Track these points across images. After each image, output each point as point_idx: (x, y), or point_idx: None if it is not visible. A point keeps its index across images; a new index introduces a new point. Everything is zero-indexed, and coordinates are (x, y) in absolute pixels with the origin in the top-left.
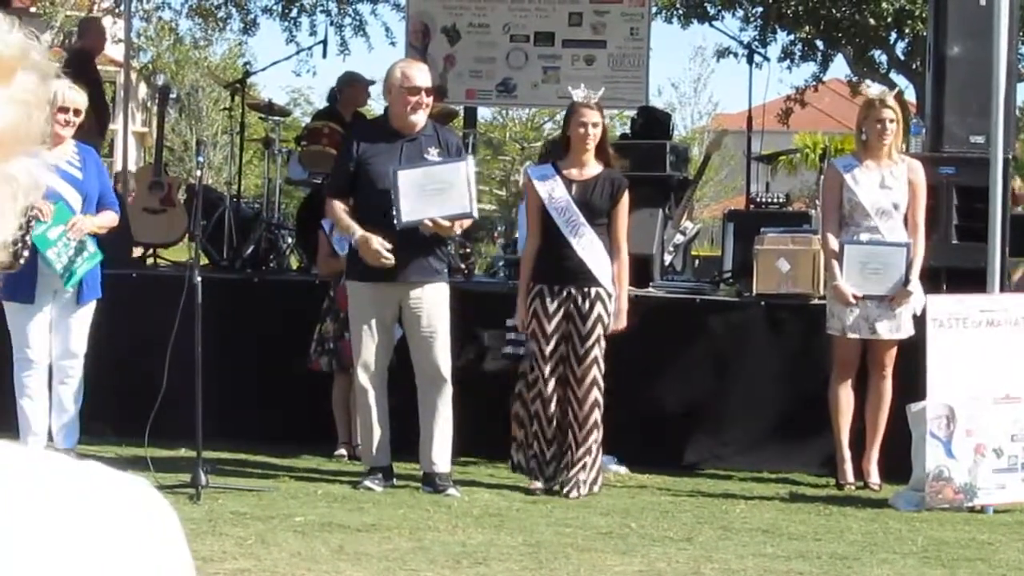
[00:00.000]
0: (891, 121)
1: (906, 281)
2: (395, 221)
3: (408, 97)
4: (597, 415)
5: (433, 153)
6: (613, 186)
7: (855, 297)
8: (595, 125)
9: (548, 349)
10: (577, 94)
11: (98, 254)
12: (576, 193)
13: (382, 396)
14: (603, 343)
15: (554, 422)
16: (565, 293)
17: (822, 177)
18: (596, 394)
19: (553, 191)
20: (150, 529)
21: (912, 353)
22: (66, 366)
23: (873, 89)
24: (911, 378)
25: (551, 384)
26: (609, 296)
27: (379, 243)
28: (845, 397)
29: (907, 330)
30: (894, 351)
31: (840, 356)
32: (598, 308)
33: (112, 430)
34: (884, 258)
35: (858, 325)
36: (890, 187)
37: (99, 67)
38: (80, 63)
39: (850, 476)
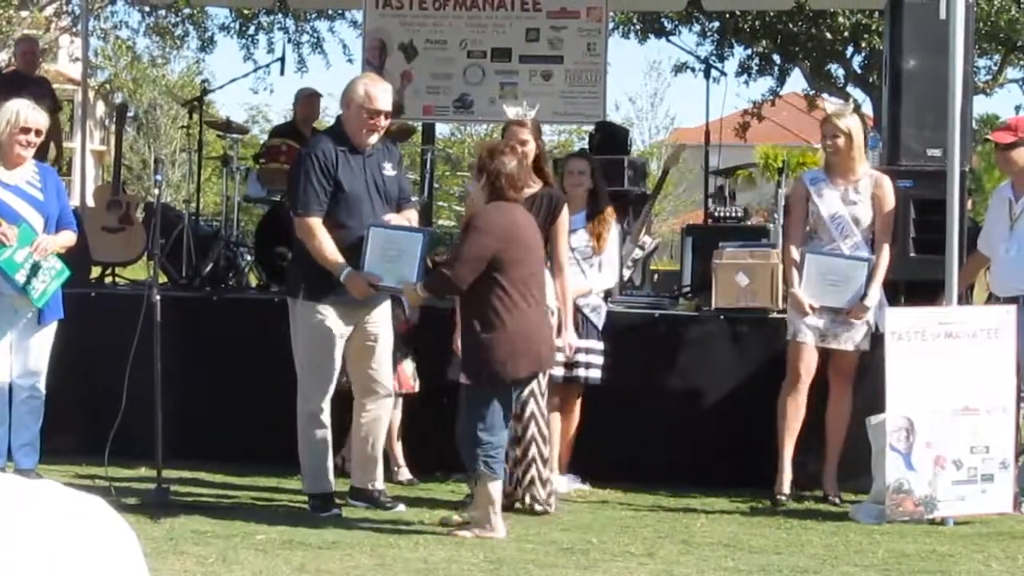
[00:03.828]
0: (835, 136)
1: (864, 296)
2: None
3: (368, 120)
4: (534, 429)
5: (388, 168)
6: (550, 203)
7: (811, 307)
8: (523, 143)
9: None
10: (510, 112)
11: (65, 270)
12: None
13: (328, 420)
14: None
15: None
16: None
17: (781, 190)
18: (533, 407)
19: None
20: (107, 547)
21: (868, 366)
22: (26, 386)
23: (829, 105)
24: (867, 391)
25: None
26: (552, 313)
27: (367, 278)
28: (793, 407)
29: (863, 344)
30: (854, 362)
31: (794, 364)
32: None
33: (72, 450)
34: (845, 271)
35: (812, 333)
36: (854, 202)
37: (56, 86)
38: (9, 84)
39: (786, 488)
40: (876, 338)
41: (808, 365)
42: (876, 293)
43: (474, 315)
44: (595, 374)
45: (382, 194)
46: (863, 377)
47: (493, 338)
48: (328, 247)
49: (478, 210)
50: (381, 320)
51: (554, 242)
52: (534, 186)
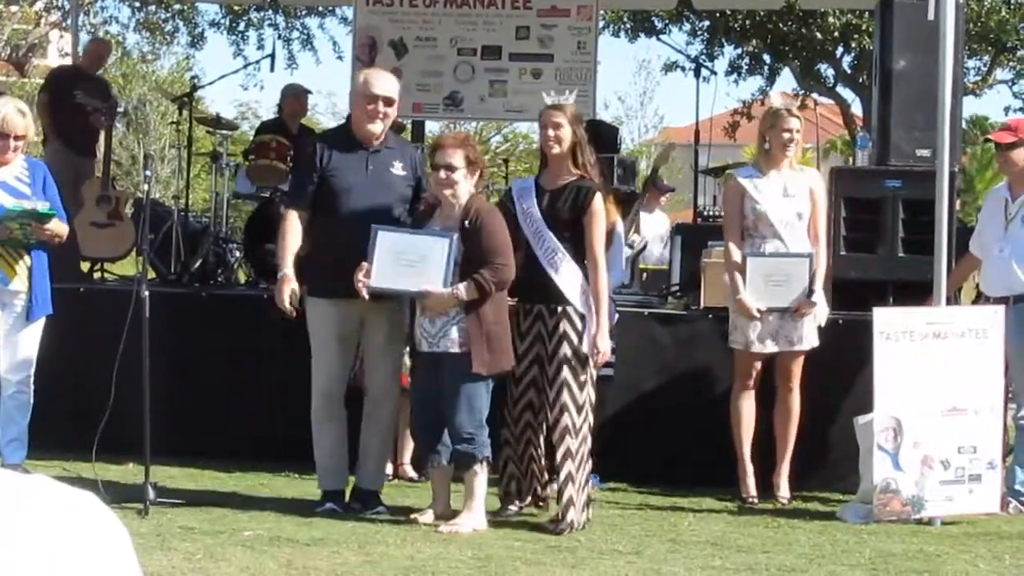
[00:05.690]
0: (797, 131)
1: (810, 292)
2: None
3: (366, 105)
4: (571, 442)
5: (397, 167)
6: (579, 194)
7: (759, 311)
8: (556, 127)
9: (519, 371)
10: (547, 98)
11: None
12: (545, 204)
13: (343, 419)
14: (576, 364)
15: (529, 447)
16: (535, 311)
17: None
18: (567, 420)
19: (525, 203)
20: (99, 543)
21: (857, 366)
22: (14, 381)
23: (776, 99)
24: (855, 391)
25: (518, 408)
26: (581, 317)
27: (289, 296)
28: (747, 411)
29: (811, 341)
30: (800, 363)
31: (741, 369)
32: (563, 327)
33: (60, 445)
34: (787, 269)
35: (762, 339)
36: (793, 196)
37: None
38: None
39: (752, 490)
40: (854, 337)
41: (757, 370)
42: (821, 288)
43: (481, 306)
44: (606, 371)
45: (387, 191)
46: (852, 377)
47: (498, 329)
48: (287, 242)
49: (487, 205)
50: (386, 320)
51: (588, 235)
52: (568, 176)
